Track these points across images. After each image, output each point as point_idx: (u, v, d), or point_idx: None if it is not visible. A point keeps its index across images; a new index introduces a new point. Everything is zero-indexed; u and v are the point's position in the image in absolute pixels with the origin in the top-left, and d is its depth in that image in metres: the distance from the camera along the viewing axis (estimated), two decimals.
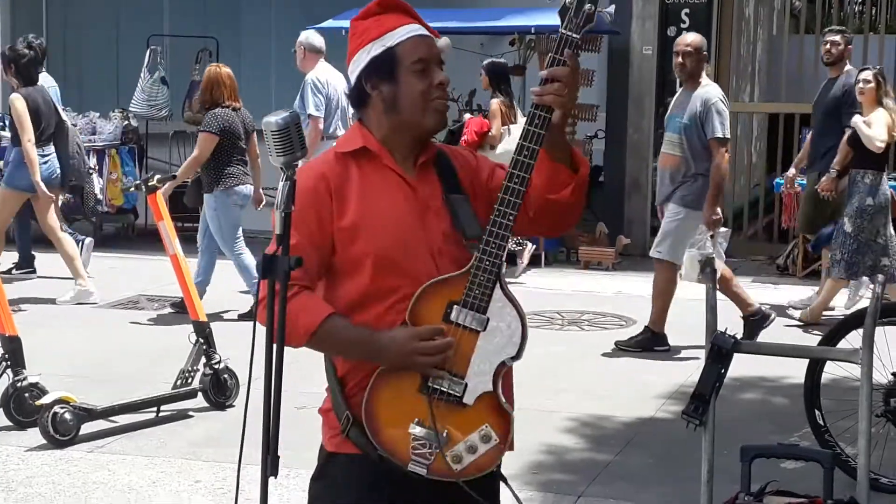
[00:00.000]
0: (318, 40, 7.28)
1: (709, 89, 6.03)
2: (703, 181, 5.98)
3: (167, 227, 5.32)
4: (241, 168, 6.75)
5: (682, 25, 8.36)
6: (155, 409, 4.89)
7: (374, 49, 2.16)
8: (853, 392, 3.41)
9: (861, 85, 6.21)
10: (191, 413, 5.00)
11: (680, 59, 6.07)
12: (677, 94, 6.39)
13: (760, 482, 3.08)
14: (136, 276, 8.22)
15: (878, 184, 6.26)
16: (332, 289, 2.21)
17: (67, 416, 4.54)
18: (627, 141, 8.98)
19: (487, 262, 2.09)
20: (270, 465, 1.96)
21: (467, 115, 8.40)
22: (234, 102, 6.67)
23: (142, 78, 9.84)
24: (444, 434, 2.12)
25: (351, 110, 8.14)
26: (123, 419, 4.85)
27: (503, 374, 2.15)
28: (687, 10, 8.68)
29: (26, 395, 4.73)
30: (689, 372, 5.44)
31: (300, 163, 2.08)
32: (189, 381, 5.00)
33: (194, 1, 11.97)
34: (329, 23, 8.74)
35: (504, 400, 2.12)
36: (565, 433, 4.87)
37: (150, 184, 5.29)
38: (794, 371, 4.80)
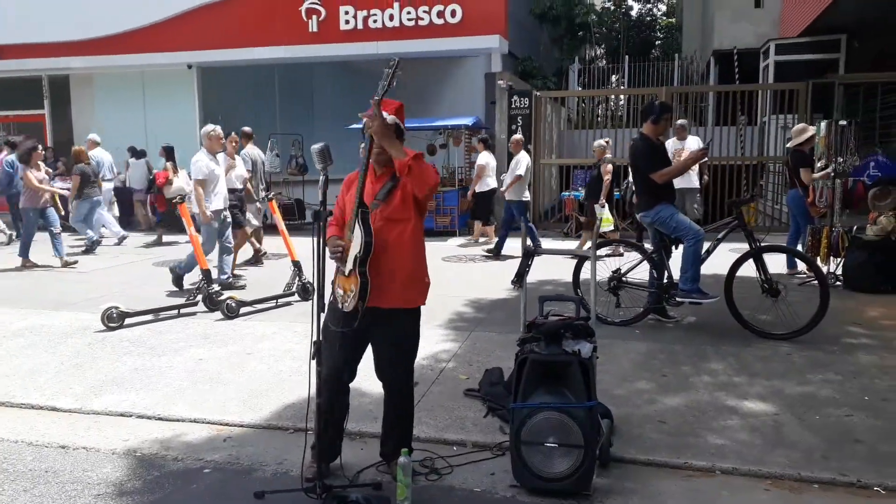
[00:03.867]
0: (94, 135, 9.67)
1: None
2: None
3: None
4: None
5: (518, 124, 14.21)
6: (275, 301, 7.26)
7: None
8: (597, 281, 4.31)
9: None
10: (291, 302, 7.39)
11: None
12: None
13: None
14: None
15: None
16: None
17: (233, 304, 6.76)
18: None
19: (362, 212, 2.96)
20: (315, 351, 3.03)
21: (156, 170, 12.87)
22: None
23: (268, 153, 14.36)
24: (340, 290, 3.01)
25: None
26: (260, 306, 7.09)
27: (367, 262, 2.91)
28: (520, 117, 13.48)
29: (213, 295, 7.07)
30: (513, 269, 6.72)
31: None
32: (290, 287, 7.38)
33: (290, 113, 17.66)
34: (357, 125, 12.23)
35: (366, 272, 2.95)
36: (463, 307, 6.94)
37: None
38: (570, 269, 6.68)
